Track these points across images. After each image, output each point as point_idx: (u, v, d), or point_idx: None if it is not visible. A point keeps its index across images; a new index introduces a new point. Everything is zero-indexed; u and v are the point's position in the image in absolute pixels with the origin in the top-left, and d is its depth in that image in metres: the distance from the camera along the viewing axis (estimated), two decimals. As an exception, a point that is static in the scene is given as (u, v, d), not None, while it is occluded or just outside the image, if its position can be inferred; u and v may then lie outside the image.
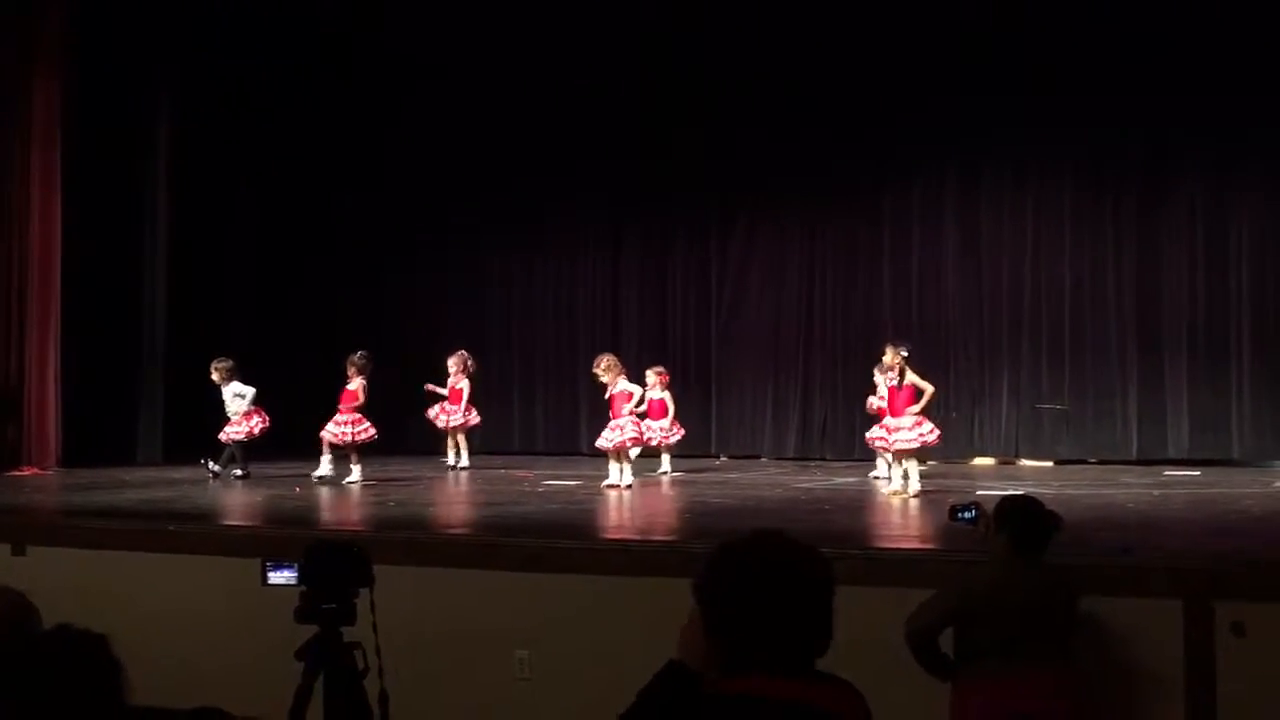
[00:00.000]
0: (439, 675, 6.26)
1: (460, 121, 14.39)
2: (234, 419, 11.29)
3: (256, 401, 11.40)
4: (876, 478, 10.97)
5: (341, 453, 10.96)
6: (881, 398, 10.58)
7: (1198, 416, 12.37)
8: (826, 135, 13.37)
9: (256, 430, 11.32)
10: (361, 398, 11.06)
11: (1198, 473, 11.28)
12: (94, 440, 12.58)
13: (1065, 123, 12.66)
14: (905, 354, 9.66)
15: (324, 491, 10.35)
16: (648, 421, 11.56)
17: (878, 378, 11.11)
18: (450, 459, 12.45)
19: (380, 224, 14.88)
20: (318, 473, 10.84)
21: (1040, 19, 12.38)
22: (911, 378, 9.66)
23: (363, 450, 11.02)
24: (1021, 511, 5.10)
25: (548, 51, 13.92)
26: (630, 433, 10.52)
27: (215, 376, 11.36)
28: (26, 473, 11.55)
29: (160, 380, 13.29)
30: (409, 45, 14.31)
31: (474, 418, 12.54)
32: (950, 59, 12.76)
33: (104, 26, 12.58)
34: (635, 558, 6.54)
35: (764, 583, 2.22)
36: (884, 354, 10.95)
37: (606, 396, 10.74)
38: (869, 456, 11.26)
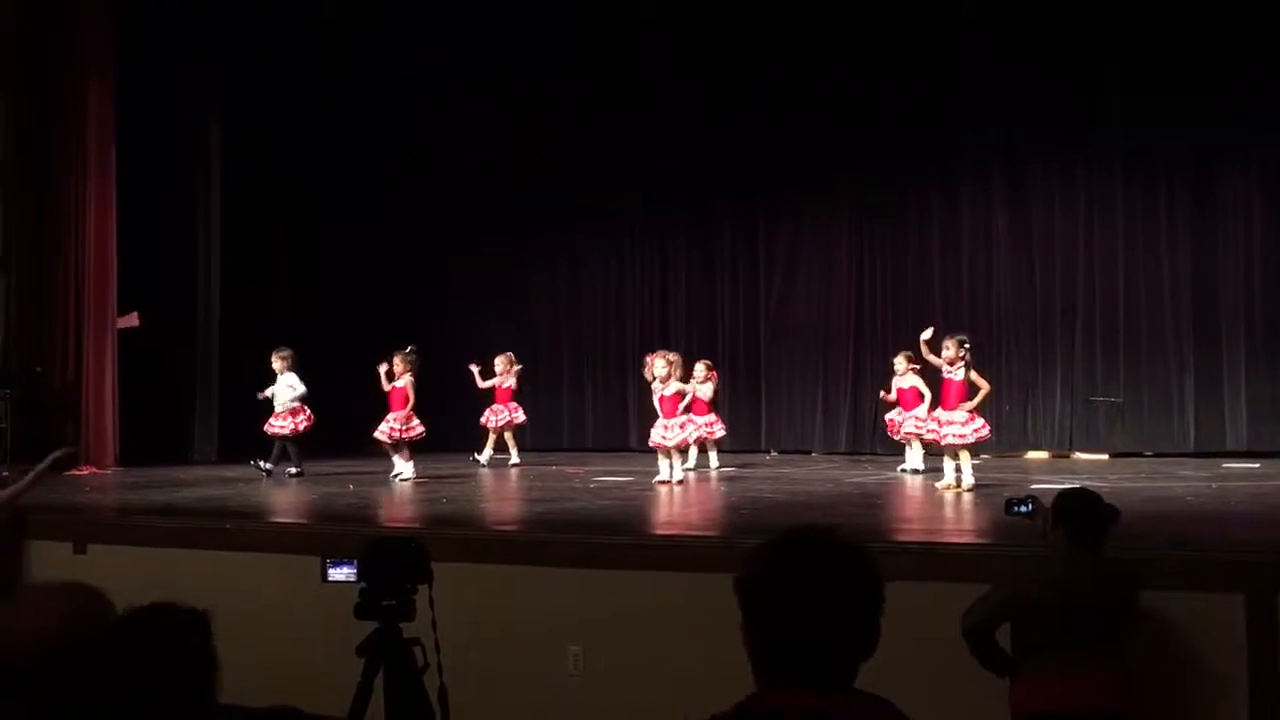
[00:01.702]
0: (493, 671, 6.28)
1: (503, 119, 14.47)
2: (279, 411, 11.37)
3: (303, 400, 11.48)
4: (904, 470, 10.97)
5: (395, 449, 11.05)
6: (896, 390, 11.06)
7: (1256, 407, 12.19)
8: (875, 127, 13.30)
9: (301, 427, 11.37)
10: (411, 396, 11.12)
11: (1256, 465, 11.12)
12: (151, 439, 12.78)
13: (1117, 111, 12.55)
14: (968, 347, 9.55)
15: (378, 489, 10.41)
16: (692, 417, 11.55)
17: (898, 364, 11.06)
18: (483, 457, 12.49)
19: (423, 222, 14.99)
20: (395, 473, 10.90)
21: (1088, 12, 12.23)
22: (971, 374, 9.55)
23: (412, 447, 11.10)
24: (1079, 504, 5.05)
25: (588, 44, 13.96)
26: (691, 431, 10.64)
27: (277, 364, 11.41)
28: (85, 472, 11.71)
29: (215, 379, 13.46)
30: (450, 49, 14.38)
31: (519, 416, 12.62)
32: (1000, 51, 12.67)
33: (152, 33, 12.74)
34: (687, 553, 6.53)
35: (809, 580, 2.10)
36: (907, 351, 11.04)
37: (658, 396, 10.69)
38: (926, 450, 11.14)
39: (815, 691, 2.08)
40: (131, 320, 12.71)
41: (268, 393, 11.39)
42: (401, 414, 11.04)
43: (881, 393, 11.46)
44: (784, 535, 2.19)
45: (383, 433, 11.07)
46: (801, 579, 2.10)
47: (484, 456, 12.51)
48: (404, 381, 11.15)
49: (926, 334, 10.01)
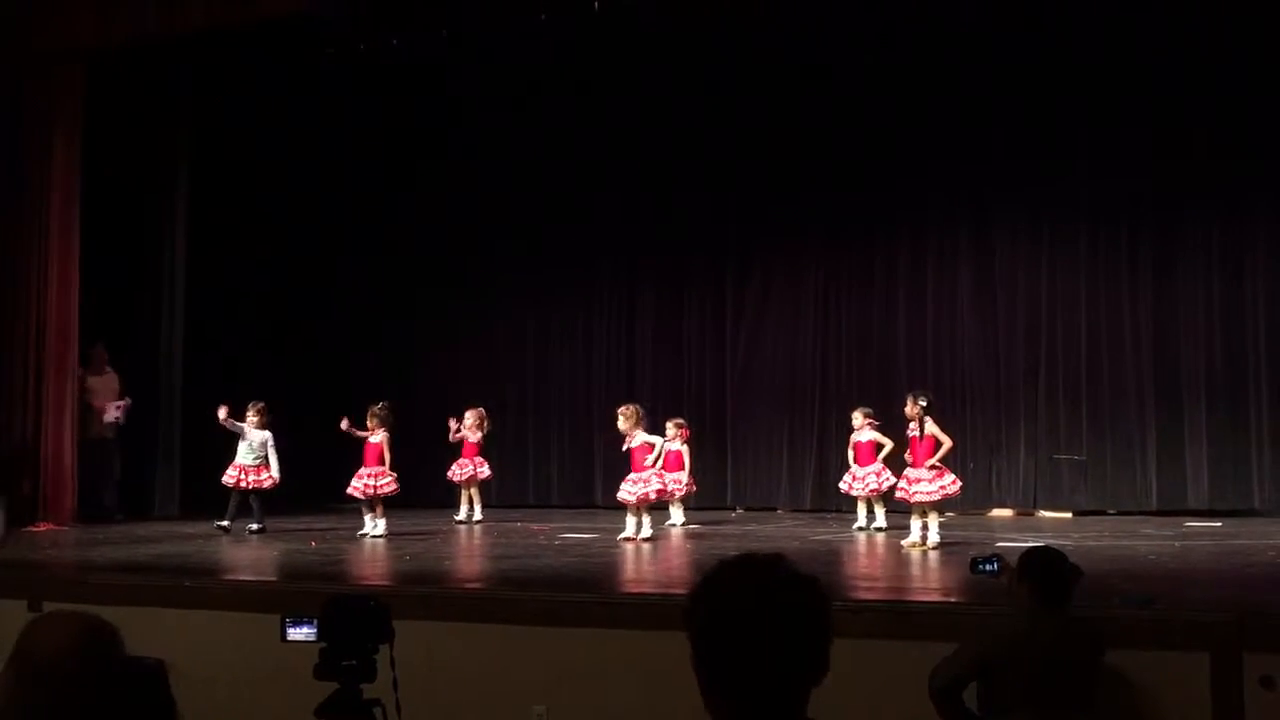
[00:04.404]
0: (456, 732, 6.21)
1: (473, 180, 14.52)
2: (248, 466, 11.24)
3: (268, 462, 11.36)
4: (859, 529, 10.98)
5: (367, 505, 10.98)
6: (854, 444, 11.13)
7: (1217, 466, 12.26)
8: (840, 186, 13.41)
9: (266, 484, 11.27)
10: (387, 452, 11.05)
11: (1219, 523, 11.18)
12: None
13: (1080, 171, 12.71)
14: (924, 404, 9.63)
15: (341, 546, 10.31)
16: (661, 472, 11.55)
17: (856, 419, 11.11)
18: (461, 513, 12.44)
19: (390, 280, 14.99)
20: (362, 531, 10.82)
21: (1053, 71, 12.44)
22: (932, 429, 9.61)
23: (385, 503, 11.02)
24: (1044, 563, 5.07)
25: (558, 109, 14.06)
26: (655, 485, 10.48)
27: (255, 420, 11.26)
28: (42, 528, 11.52)
29: (177, 434, 13.32)
30: (421, 106, 14.45)
31: (484, 471, 12.57)
32: (966, 109, 12.83)
33: (121, 89, 12.71)
34: (652, 612, 6.48)
35: (755, 608, 2.09)
36: (865, 408, 11.14)
37: (625, 449, 10.68)
38: (888, 508, 11.14)
39: None
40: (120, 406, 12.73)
41: (237, 425, 11.24)
42: (377, 469, 10.98)
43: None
44: (729, 564, 2.19)
45: (355, 488, 11.01)
46: (748, 606, 2.10)
47: (461, 514, 12.44)
48: (379, 437, 11.10)
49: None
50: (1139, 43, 12.16)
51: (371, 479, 10.97)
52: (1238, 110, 11.90)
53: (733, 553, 2.23)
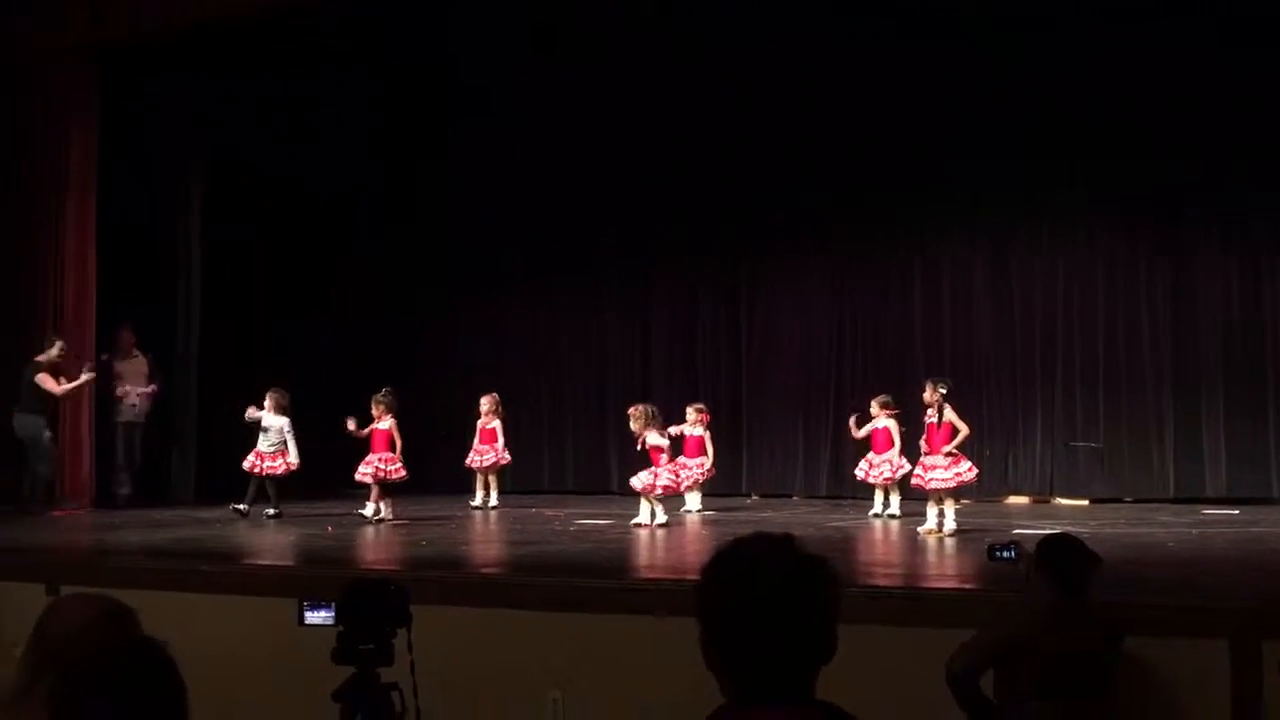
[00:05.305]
0: (472, 717, 6.21)
1: (488, 175, 14.50)
2: (265, 453, 11.26)
3: (285, 447, 11.38)
4: (875, 515, 10.98)
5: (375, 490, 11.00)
6: (871, 431, 11.20)
7: (1235, 454, 12.21)
8: (857, 176, 13.34)
9: (280, 470, 11.28)
10: (396, 436, 11.07)
11: (1236, 511, 11.14)
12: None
13: (1097, 161, 12.61)
14: (944, 391, 9.63)
15: (356, 531, 10.33)
16: (682, 459, 11.55)
17: (873, 408, 11.12)
18: (478, 499, 12.44)
19: (402, 270, 14.98)
20: (365, 512, 10.85)
21: (1073, 63, 12.32)
22: (950, 416, 9.61)
23: (393, 490, 11.04)
24: (1062, 550, 5.05)
25: (574, 104, 14.02)
26: (665, 479, 10.44)
27: (273, 407, 11.24)
28: (60, 513, 11.58)
29: (193, 420, 13.35)
30: (436, 94, 14.43)
31: (505, 457, 12.57)
32: (981, 105, 12.72)
33: (138, 76, 12.71)
34: (668, 597, 6.48)
35: (767, 585, 2.12)
36: (882, 397, 11.16)
37: (640, 449, 10.61)
38: (904, 495, 11.12)
39: (781, 705, 2.09)
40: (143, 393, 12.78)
41: (256, 414, 11.25)
42: (386, 454, 11.01)
43: (852, 421, 11.37)
44: (742, 541, 2.22)
45: (365, 474, 11.03)
46: (759, 583, 2.12)
47: (477, 499, 12.44)
48: (386, 423, 11.12)
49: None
50: (1151, 35, 12.02)
51: (382, 463, 11.01)
52: (1255, 103, 11.79)
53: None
